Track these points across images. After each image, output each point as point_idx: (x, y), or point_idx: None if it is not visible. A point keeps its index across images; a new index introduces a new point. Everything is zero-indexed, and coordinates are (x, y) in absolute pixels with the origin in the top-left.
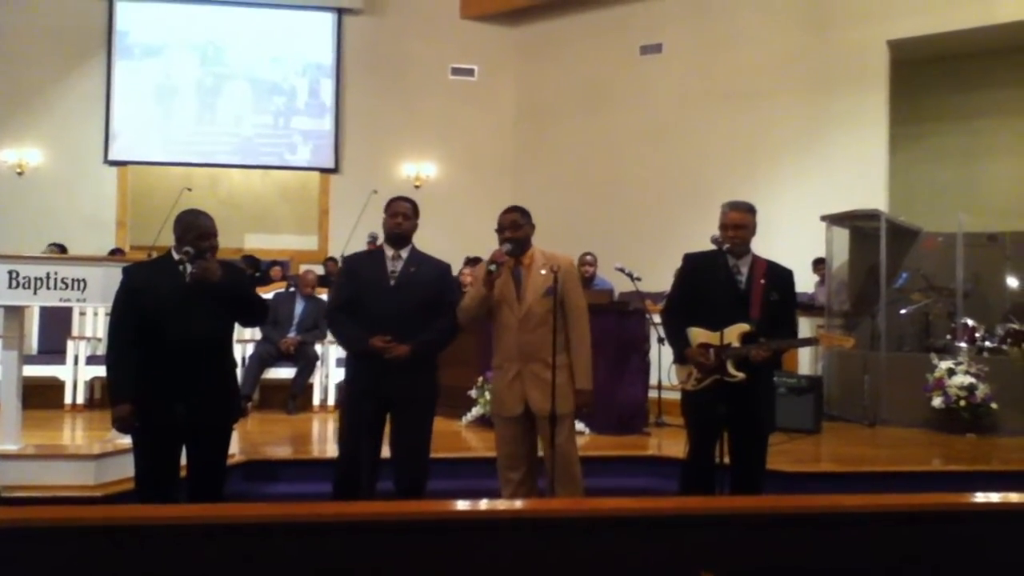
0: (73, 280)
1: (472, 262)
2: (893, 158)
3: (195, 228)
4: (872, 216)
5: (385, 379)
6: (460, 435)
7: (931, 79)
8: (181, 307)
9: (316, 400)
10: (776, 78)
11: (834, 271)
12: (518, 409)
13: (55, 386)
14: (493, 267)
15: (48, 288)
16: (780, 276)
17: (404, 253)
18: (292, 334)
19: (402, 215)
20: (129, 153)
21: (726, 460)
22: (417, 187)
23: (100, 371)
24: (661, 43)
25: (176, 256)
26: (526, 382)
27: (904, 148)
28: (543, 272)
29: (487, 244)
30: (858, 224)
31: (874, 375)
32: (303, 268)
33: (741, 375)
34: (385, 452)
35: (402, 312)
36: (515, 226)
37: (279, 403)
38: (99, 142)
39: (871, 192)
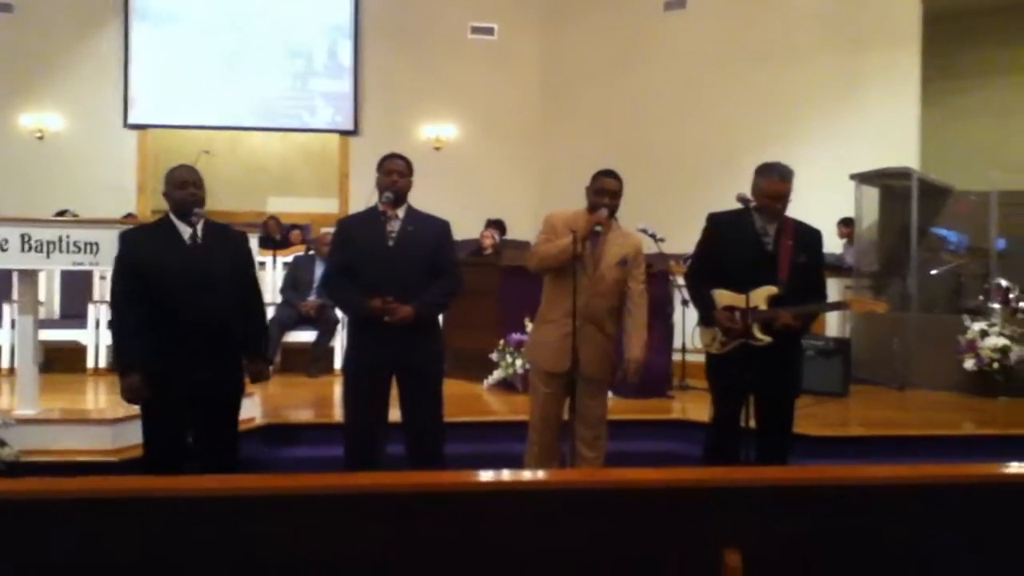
0: (85, 243)
1: (494, 224)
2: (925, 114)
3: (171, 179)
4: (903, 174)
5: (389, 343)
6: (481, 398)
7: (965, 33)
8: (184, 274)
9: (337, 363)
10: (805, 34)
11: (863, 231)
12: (564, 366)
13: (78, 350)
14: (599, 228)
15: (60, 251)
16: (809, 237)
17: (401, 212)
18: (312, 297)
19: (397, 172)
20: (148, 117)
21: (752, 424)
22: (437, 149)
23: None
24: None
25: (172, 218)
26: (581, 341)
27: (937, 104)
28: (619, 243)
29: (508, 206)
30: (888, 182)
31: (904, 337)
32: (323, 230)
33: (767, 339)
34: (394, 416)
35: (402, 273)
36: (617, 194)
37: (300, 366)
38: (118, 106)
39: (902, 150)
